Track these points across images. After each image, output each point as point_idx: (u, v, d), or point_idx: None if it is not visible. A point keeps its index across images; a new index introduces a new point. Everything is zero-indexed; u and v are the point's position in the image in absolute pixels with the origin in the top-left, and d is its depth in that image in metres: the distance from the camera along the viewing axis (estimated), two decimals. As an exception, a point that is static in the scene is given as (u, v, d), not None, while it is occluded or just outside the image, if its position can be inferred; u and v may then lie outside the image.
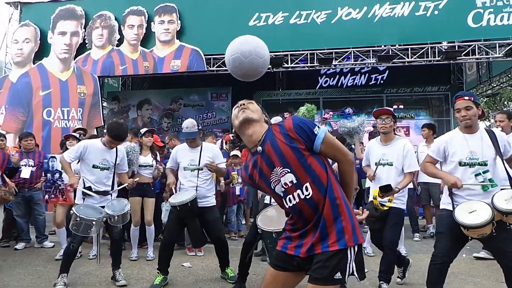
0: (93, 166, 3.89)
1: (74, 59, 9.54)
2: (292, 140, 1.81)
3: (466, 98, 2.91)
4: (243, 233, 6.40)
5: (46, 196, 5.29)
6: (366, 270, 4.25)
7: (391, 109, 3.87)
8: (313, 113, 8.14)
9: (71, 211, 3.77)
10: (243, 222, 6.85)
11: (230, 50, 1.96)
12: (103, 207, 3.83)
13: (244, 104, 1.95)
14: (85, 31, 9.56)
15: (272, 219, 3.30)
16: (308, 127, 1.82)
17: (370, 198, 3.80)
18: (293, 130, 1.81)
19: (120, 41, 9.42)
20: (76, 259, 4.34)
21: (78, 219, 3.60)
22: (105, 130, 4.01)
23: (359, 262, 1.83)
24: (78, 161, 4.02)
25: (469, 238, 2.83)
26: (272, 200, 3.57)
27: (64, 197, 5.17)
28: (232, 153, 6.56)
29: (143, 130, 5.17)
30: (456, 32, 8.17)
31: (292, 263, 1.88)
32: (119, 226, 3.97)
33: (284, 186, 1.84)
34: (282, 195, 1.87)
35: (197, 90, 12.35)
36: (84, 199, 3.86)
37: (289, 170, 1.81)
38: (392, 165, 3.68)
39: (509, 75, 10.53)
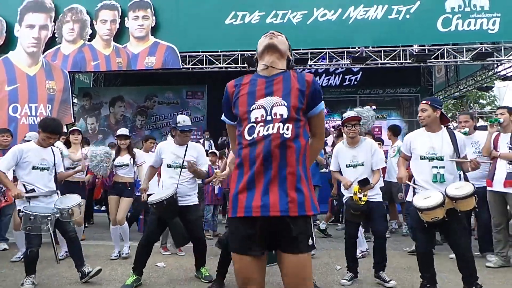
0: (33, 168, 3.78)
1: (43, 53, 9.20)
2: (304, 89, 1.85)
3: (424, 102, 3.37)
4: (218, 232, 6.38)
5: None
6: (339, 267, 4.34)
7: (359, 116, 4.09)
8: None
9: (20, 212, 3.62)
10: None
11: None
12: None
13: (273, 33, 1.96)
14: (55, 24, 9.23)
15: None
16: (320, 91, 1.91)
17: (348, 195, 3.91)
18: (311, 84, 1.86)
19: (92, 36, 9.15)
20: (44, 261, 4.20)
21: (32, 217, 3.50)
22: (39, 129, 3.92)
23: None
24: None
25: (425, 222, 3.15)
26: None
27: (5, 198, 4.98)
28: (211, 151, 6.57)
29: (120, 131, 5.27)
30: (426, 36, 8.45)
31: (256, 236, 1.73)
32: (72, 224, 3.91)
33: (273, 115, 1.78)
34: (260, 122, 1.77)
35: (172, 87, 12.20)
36: (29, 202, 3.72)
37: (286, 104, 1.79)
38: (363, 165, 3.90)
39: (475, 78, 11.00)
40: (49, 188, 3.86)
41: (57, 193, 3.93)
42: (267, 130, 1.75)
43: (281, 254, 1.77)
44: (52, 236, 3.80)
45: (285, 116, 1.76)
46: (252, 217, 1.72)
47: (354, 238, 3.99)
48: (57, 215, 3.66)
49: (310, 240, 1.77)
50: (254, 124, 1.78)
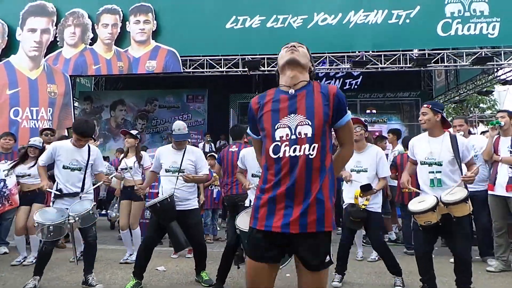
0: (63, 167, 3.81)
1: (45, 57, 9.24)
2: (328, 103, 1.84)
3: (425, 105, 3.41)
4: (218, 236, 6.38)
5: None
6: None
7: (361, 118, 4.13)
8: None
9: (33, 218, 3.68)
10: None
11: None
12: None
13: (294, 46, 1.93)
14: (57, 28, 9.28)
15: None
16: (344, 103, 1.91)
17: (348, 201, 3.89)
18: (334, 96, 1.86)
19: (94, 40, 9.20)
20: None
21: (36, 225, 3.54)
22: (72, 129, 3.98)
23: None
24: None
25: (418, 225, 3.21)
26: (252, 203, 3.54)
27: (10, 201, 4.97)
28: (209, 154, 6.54)
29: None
30: (426, 40, 8.48)
31: (273, 248, 1.78)
32: (93, 229, 3.89)
33: (298, 135, 1.78)
34: (285, 141, 1.78)
35: (173, 91, 12.23)
36: (54, 202, 3.80)
37: (310, 123, 1.79)
38: (366, 171, 3.90)
39: (475, 83, 11.03)
40: (77, 189, 3.85)
41: (80, 196, 3.86)
42: (294, 152, 1.76)
43: (300, 269, 1.80)
44: (73, 238, 3.85)
45: (309, 135, 1.77)
46: (272, 232, 1.75)
47: (349, 245, 4.01)
48: (70, 221, 3.61)
49: (328, 257, 1.79)
50: (279, 143, 1.79)
